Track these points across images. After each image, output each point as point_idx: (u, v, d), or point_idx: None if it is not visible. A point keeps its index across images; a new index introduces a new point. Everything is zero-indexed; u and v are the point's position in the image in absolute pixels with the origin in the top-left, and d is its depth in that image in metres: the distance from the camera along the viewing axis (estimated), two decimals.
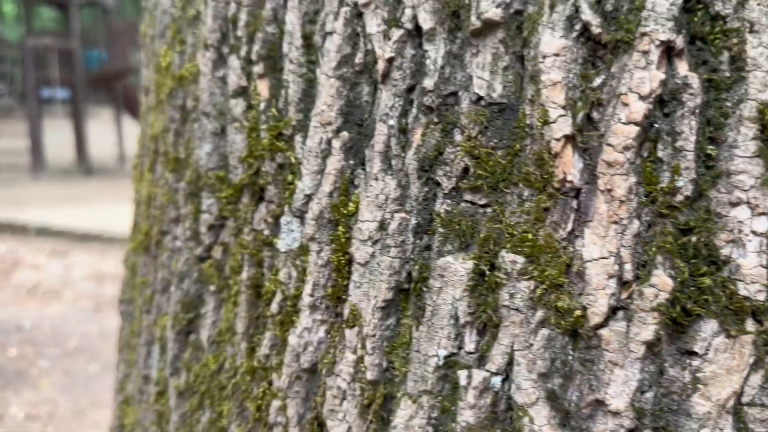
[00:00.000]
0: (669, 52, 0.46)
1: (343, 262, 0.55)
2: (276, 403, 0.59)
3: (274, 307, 0.60)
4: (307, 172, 0.58)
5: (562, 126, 0.46)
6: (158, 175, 0.78)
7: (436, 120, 0.51)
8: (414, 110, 0.53)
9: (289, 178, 0.60)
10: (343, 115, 0.56)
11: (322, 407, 0.56)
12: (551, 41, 0.47)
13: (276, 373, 0.59)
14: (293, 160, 0.59)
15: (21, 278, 7.02)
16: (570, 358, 0.47)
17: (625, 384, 0.45)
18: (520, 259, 0.47)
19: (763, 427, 0.45)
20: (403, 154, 0.53)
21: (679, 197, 0.45)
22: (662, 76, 0.45)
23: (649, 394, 0.46)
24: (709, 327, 0.45)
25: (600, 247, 0.45)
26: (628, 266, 0.45)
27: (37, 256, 7.89)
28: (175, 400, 0.70)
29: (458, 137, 0.50)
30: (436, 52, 0.51)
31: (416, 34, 0.53)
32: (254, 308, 0.62)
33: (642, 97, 0.45)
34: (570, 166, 0.46)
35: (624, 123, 0.45)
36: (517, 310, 0.47)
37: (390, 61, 0.53)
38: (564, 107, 0.46)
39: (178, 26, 0.75)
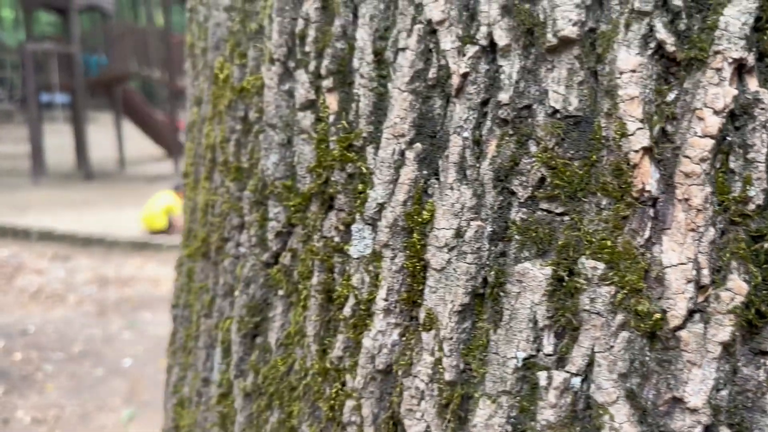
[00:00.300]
0: (740, 69, 0.48)
1: (418, 267, 0.58)
2: (350, 403, 0.61)
3: (347, 310, 0.62)
4: (379, 182, 0.60)
5: (641, 138, 0.49)
6: (217, 184, 0.81)
7: (511, 132, 0.54)
8: (488, 122, 0.55)
9: (360, 187, 0.63)
10: (415, 127, 0.59)
11: (398, 407, 0.58)
12: (628, 58, 0.50)
13: (350, 374, 0.62)
14: (364, 170, 0.62)
15: (24, 282, 7.03)
16: (647, 358, 0.50)
17: (702, 382, 0.48)
18: (601, 265, 0.50)
19: None
20: (477, 165, 0.55)
21: (751, 206, 0.48)
22: (735, 91, 0.48)
23: (724, 392, 0.48)
24: None
25: (678, 254, 0.48)
26: (705, 271, 0.48)
27: (39, 261, 7.90)
28: (241, 402, 0.72)
29: (533, 148, 0.53)
30: (510, 67, 0.54)
31: (490, 50, 0.55)
32: (325, 312, 0.65)
33: (716, 112, 0.48)
34: (648, 177, 0.49)
35: (700, 136, 0.48)
36: (598, 314, 0.50)
37: (464, 75, 0.56)
38: (642, 120, 0.49)
39: (237, 40, 0.78)
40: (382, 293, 0.59)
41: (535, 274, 0.52)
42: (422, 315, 0.57)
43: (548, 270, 0.52)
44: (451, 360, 0.55)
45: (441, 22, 0.57)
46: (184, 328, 0.87)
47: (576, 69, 0.52)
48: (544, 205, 0.52)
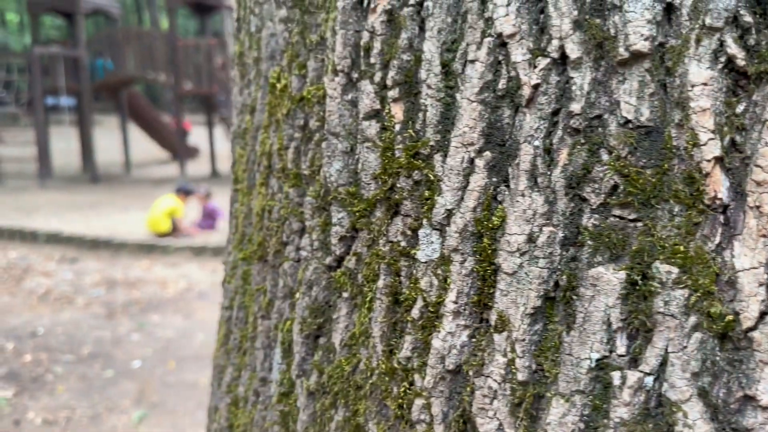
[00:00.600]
0: None
1: (488, 271, 0.60)
2: (419, 402, 0.64)
3: (415, 312, 0.65)
4: (447, 189, 0.63)
5: (712, 148, 0.51)
6: (274, 190, 0.83)
7: (582, 141, 0.56)
8: (559, 132, 0.58)
9: (426, 193, 0.65)
10: (484, 136, 0.61)
11: (470, 406, 0.61)
12: (699, 72, 0.52)
13: (418, 373, 0.64)
14: (431, 177, 0.64)
15: (32, 284, 7.07)
16: (718, 358, 0.52)
17: None
18: (675, 270, 0.52)
19: None
20: (548, 172, 0.58)
21: None
22: None
23: None
24: None
25: (750, 258, 0.50)
26: None
27: (47, 263, 7.93)
28: (304, 400, 0.74)
29: (606, 157, 0.55)
30: (582, 78, 0.56)
31: (561, 62, 0.58)
32: (392, 313, 0.67)
33: None
34: (720, 185, 0.51)
35: None
36: (672, 316, 0.52)
37: (536, 86, 0.58)
38: (713, 131, 0.51)
39: (296, 51, 0.80)
40: (451, 296, 0.62)
41: (609, 278, 0.54)
42: (494, 317, 0.60)
43: (622, 274, 0.54)
44: (523, 361, 0.57)
45: (512, 36, 0.59)
46: (239, 330, 0.90)
47: (647, 81, 0.54)
48: (616, 212, 0.55)
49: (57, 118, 16.83)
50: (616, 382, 0.54)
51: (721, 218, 0.52)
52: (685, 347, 0.52)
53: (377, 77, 0.69)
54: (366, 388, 0.68)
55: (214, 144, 14.70)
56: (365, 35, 0.70)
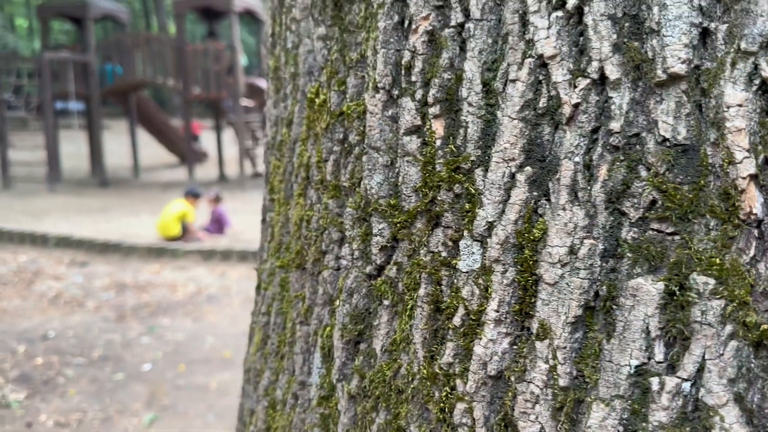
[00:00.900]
0: None
1: (530, 281, 0.63)
2: (461, 406, 0.67)
3: (456, 320, 0.68)
4: (489, 202, 0.66)
5: (748, 166, 0.54)
6: (313, 200, 0.86)
7: (621, 157, 0.59)
8: (599, 149, 0.61)
9: (467, 206, 0.68)
10: (525, 152, 0.64)
11: (512, 410, 0.63)
12: (734, 93, 0.55)
13: (460, 378, 0.67)
14: (472, 191, 0.67)
15: (43, 288, 7.13)
16: (753, 365, 0.55)
17: None
18: (711, 281, 0.55)
19: None
20: (588, 187, 0.61)
21: None
22: None
23: None
24: None
25: None
26: None
27: (57, 266, 7.99)
28: (345, 403, 0.77)
29: (644, 173, 0.58)
30: (621, 98, 0.59)
31: (600, 82, 0.61)
32: (433, 321, 0.70)
33: None
34: (754, 201, 0.54)
35: None
36: (708, 324, 0.55)
37: (576, 105, 0.61)
38: (748, 150, 0.54)
39: (335, 68, 0.83)
40: (493, 305, 0.65)
41: (649, 288, 0.57)
42: (535, 326, 0.63)
43: (661, 285, 0.57)
44: (565, 367, 0.60)
45: (552, 57, 0.62)
46: (277, 335, 0.93)
47: (683, 102, 0.57)
48: (655, 225, 0.58)
49: (66, 123, 16.96)
50: (655, 387, 0.57)
51: (756, 232, 0.55)
52: (722, 354, 0.55)
53: (418, 94, 0.72)
54: (407, 392, 0.71)
55: (222, 148, 14.77)
56: (406, 54, 0.73)
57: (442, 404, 0.68)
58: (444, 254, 0.70)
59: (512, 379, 0.64)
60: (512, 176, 0.65)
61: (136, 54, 13.34)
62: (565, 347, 0.60)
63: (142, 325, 5.88)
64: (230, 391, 4.46)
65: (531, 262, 0.63)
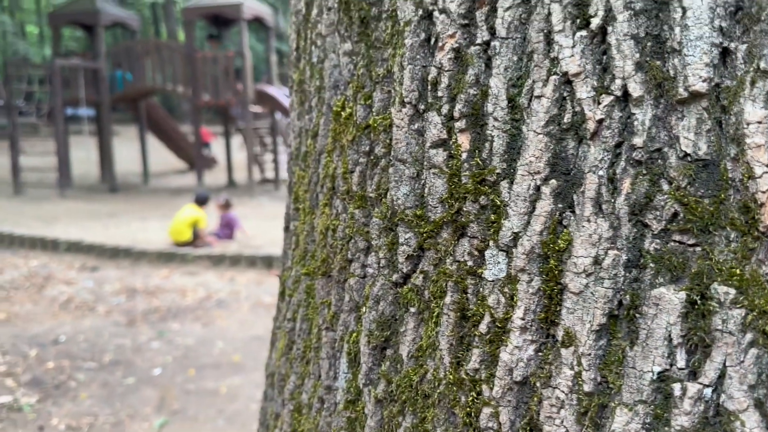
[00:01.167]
0: None
1: (555, 290, 0.66)
2: (487, 411, 0.69)
3: (482, 327, 0.70)
4: (514, 213, 0.68)
5: (767, 181, 0.56)
6: (338, 210, 0.89)
7: (644, 172, 0.62)
8: (622, 163, 0.63)
9: (492, 217, 0.71)
10: (550, 165, 0.67)
11: (537, 414, 0.66)
12: (754, 111, 0.57)
13: (486, 384, 0.69)
14: (498, 202, 0.70)
15: (54, 292, 7.18)
16: None
17: None
18: (732, 291, 0.57)
19: None
20: (612, 200, 0.63)
21: None
22: None
23: None
24: None
25: None
26: None
27: (68, 271, 8.06)
28: (372, 407, 0.80)
29: (666, 186, 0.61)
30: (643, 115, 0.62)
31: (624, 99, 0.63)
32: (459, 328, 0.73)
33: None
34: None
35: None
36: (729, 333, 0.57)
37: (600, 121, 0.64)
38: (767, 165, 0.57)
39: (362, 82, 0.86)
40: (519, 313, 0.67)
41: (671, 297, 0.59)
42: (560, 333, 0.65)
43: (683, 294, 0.59)
44: (589, 373, 0.63)
45: (577, 75, 0.65)
46: (303, 340, 0.96)
47: (704, 118, 0.60)
48: (676, 237, 0.60)
49: (76, 129, 17.10)
50: (677, 393, 0.59)
51: None
52: (742, 362, 0.57)
53: (444, 109, 0.75)
54: (434, 397, 0.74)
55: (231, 154, 14.85)
56: (433, 70, 0.76)
57: (468, 408, 0.71)
58: (470, 263, 0.72)
59: (537, 384, 0.66)
60: (537, 189, 0.67)
61: (146, 61, 13.46)
62: (589, 354, 0.63)
63: (153, 330, 5.92)
64: (240, 396, 4.49)
65: (556, 272, 0.66)
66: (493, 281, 0.70)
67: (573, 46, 0.65)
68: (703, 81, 0.59)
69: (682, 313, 0.59)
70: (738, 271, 0.57)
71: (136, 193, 13.80)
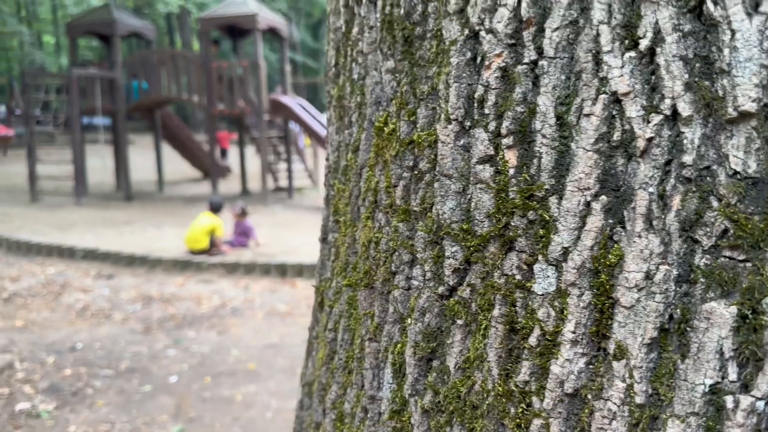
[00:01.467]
0: None
1: (606, 304, 0.67)
2: (537, 422, 0.70)
3: (532, 340, 0.72)
4: (564, 228, 0.70)
5: None
6: (381, 224, 0.91)
7: (694, 189, 0.63)
8: (672, 180, 0.65)
9: (541, 232, 0.72)
10: (600, 181, 0.69)
11: (589, 426, 0.67)
12: None
13: (536, 396, 0.71)
14: (546, 217, 0.72)
15: (71, 300, 7.25)
16: None
17: None
18: None
19: None
20: (663, 216, 0.65)
21: None
22: None
23: None
24: None
25: None
26: None
27: (84, 279, 8.13)
28: (419, 418, 0.82)
29: (716, 204, 0.62)
30: (692, 133, 0.64)
31: (673, 118, 0.65)
32: (508, 340, 0.74)
33: None
34: None
35: None
36: None
37: (649, 140, 0.65)
38: None
39: (405, 99, 0.89)
40: (569, 326, 0.69)
41: (722, 312, 0.61)
42: (612, 346, 0.67)
43: (734, 309, 0.60)
44: (641, 386, 0.64)
45: (626, 94, 0.67)
46: (345, 351, 0.98)
47: (753, 137, 0.61)
48: (727, 253, 0.62)
49: (92, 138, 17.29)
50: (729, 405, 0.60)
51: None
52: None
53: (491, 126, 0.77)
54: (482, 408, 0.75)
55: (245, 163, 14.95)
56: (479, 89, 0.78)
57: (518, 420, 0.72)
58: (518, 277, 0.74)
59: (589, 396, 0.68)
60: (587, 204, 0.69)
61: (162, 70, 13.60)
62: (641, 367, 0.64)
63: (168, 338, 5.96)
64: (255, 404, 4.51)
65: (607, 286, 0.67)
66: (542, 295, 0.72)
67: (622, 66, 0.67)
68: (753, 101, 0.61)
69: (733, 327, 0.60)
70: None
71: (151, 201, 13.93)
